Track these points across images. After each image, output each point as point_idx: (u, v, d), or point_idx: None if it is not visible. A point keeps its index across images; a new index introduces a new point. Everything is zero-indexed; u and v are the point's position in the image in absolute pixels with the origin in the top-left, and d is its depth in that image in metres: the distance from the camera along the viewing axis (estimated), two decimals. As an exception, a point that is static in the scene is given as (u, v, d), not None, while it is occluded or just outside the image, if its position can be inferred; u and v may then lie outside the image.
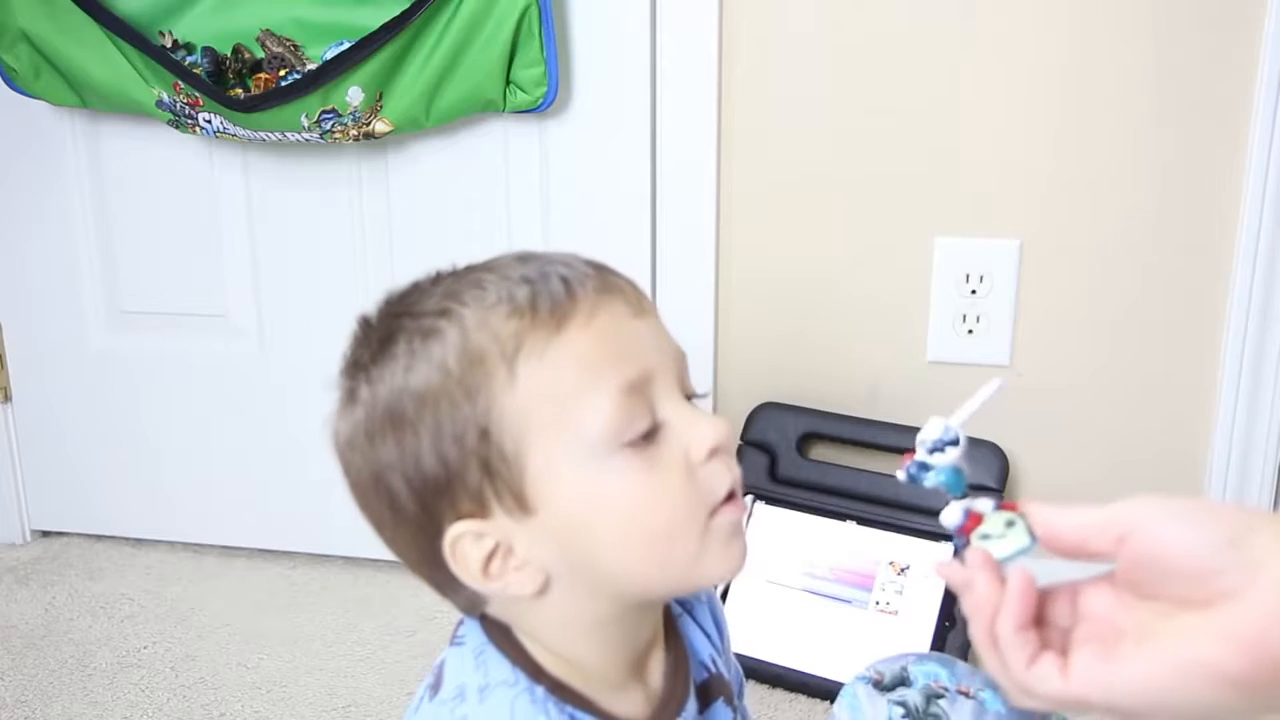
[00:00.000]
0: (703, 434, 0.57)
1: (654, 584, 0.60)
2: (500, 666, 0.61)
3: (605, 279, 0.59)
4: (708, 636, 0.70)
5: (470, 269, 0.62)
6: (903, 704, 0.67)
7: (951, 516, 0.55)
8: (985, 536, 0.55)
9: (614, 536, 0.57)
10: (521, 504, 0.57)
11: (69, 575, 1.59)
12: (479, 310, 0.57)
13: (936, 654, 0.71)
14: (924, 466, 0.56)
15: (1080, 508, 0.53)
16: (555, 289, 0.57)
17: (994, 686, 0.68)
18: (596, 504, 0.56)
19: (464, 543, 0.58)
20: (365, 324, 0.63)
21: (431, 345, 0.57)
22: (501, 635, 0.62)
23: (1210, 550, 0.49)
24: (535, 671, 0.61)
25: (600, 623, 0.61)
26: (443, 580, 0.61)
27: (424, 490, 0.58)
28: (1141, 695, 0.49)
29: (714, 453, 0.58)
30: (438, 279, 0.62)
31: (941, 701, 0.67)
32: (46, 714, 1.30)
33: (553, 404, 0.56)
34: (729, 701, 0.70)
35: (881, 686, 0.67)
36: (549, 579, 0.59)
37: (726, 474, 0.58)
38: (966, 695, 0.68)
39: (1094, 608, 0.54)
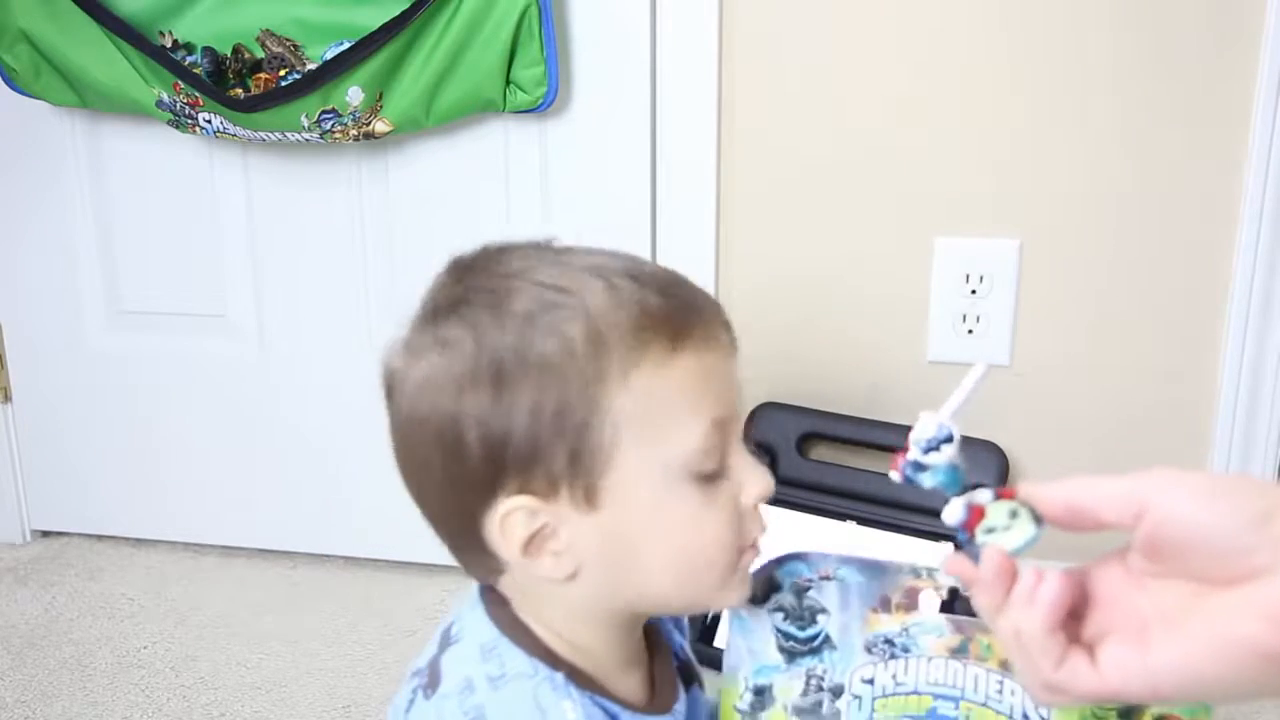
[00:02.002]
0: (756, 486, 0.62)
1: (672, 601, 0.64)
2: (516, 658, 0.61)
3: (717, 313, 0.62)
4: (678, 626, 0.75)
5: (580, 249, 0.63)
6: (780, 609, 0.71)
7: (953, 514, 0.54)
8: (991, 530, 0.54)
9: (658, 555, 0.60)
10: (590, 499, 0.58)
11: (69, 575, 1.59)
12: (611, 302, 0.58)
13: (792, 552, 0.74)
14: (919, 466, 0.55)
15: (1087, 479, 0.52)
16: (685, 308, 0.60)
17: (848, 563, 0.72)
18: (655, 522, 0.59)
19: (516, 517, 0.59)
20: (461, 267, 0.63)
21: (559, 319, 0.57)
22: (513, 625, 0.63)
23: (1240, 528, 0.48)
24: (552, 659, 0.62)
25: (611, 616, 0.64)
26: (466, 543, 0.62)
27: (501, 454, 0.58)
28: (1181, 679, 0.49)
29: (759, 503, 0.62)
30: (544, 247, 0.63)
31: (810, 592, 0.71)
32: (46, 714, 1.30)
33: (653, 418, 0.58)
34: (701, 687, 0.73)
35: (757, 600, 0.71)
36: (580, 569, 0.60)
37: (760, 525, 0.63)
38: (828, 578, 0.72)
39: (1107, 591, 0.53)
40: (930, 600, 0.71)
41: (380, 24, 1.30)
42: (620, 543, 0.60)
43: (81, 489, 1.65)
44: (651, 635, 0.70)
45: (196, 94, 1.34)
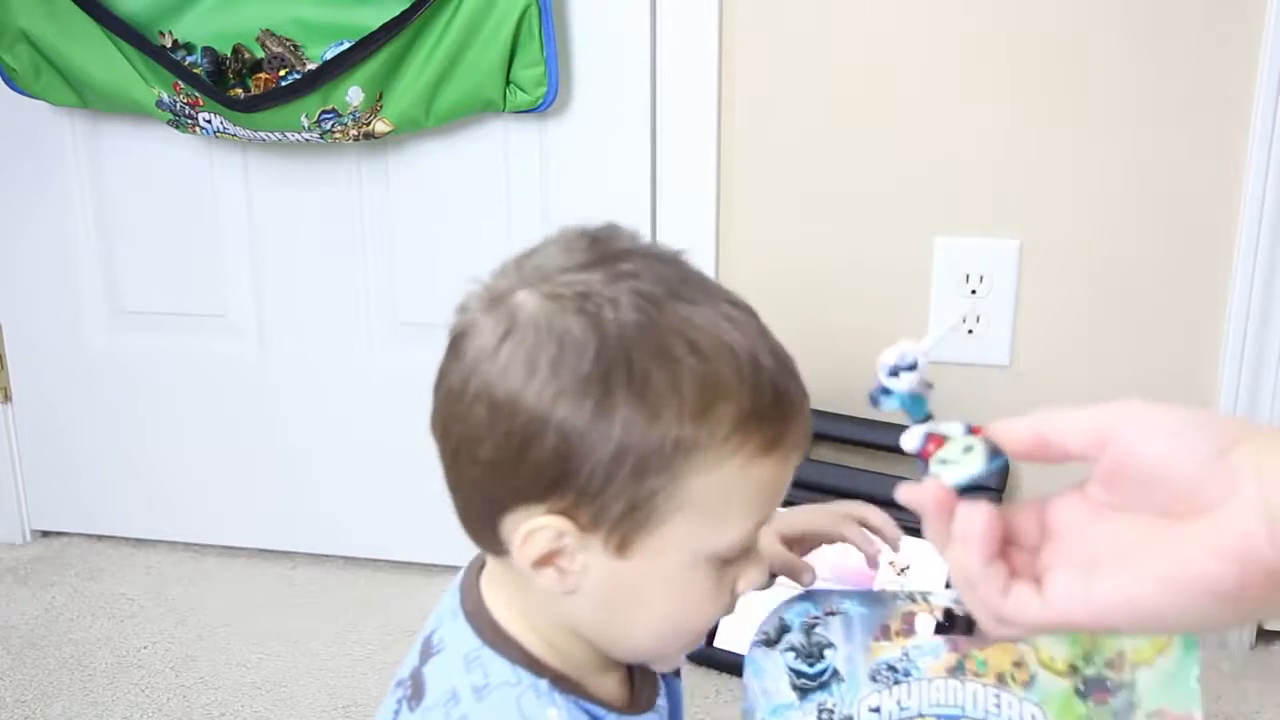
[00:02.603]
0: (754, 578, 0.62)
1: (633, 653, 0.64)
2: (499, 667, 0.61)
3: (808, 414, 0.61)
4: None
5: (710, 288, 0.59)
6: (792, 649, 0.73)
7: (911, 441, 0.55)
8: (943, 462, 0.54)
9: (653, 617, 0.60)
10: (622, 549, 0.57)
11: (69, 575, 1.59)
12: (734, 380, 0.56)
13: (802, 591, 0.77)
14: (885, 390, 0.56)
15: (1053, 411, 0.52)
16: (791, 412, 0.59)
17: (850, 596, 0.75)
18: (665, 589, 0.59)
19: (543, 534, 0.57)
20: (594, 249, 0.59)
21: (686, 364, 0.55)
22: (494, 633, 0.62)
23: (1197, 464, 0.48)
24: (536, 666, 0.61)
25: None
26: (479, 521, 0.60)
27: (566, 474, 0.55)
28: (1127, 612, 0.49)
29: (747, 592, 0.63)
30: (679, 267, 0.59)
31: (818, 629, 0.73)
32: (46, 714, 1.30)
33: (719, 505, 0.57)
34: (678, 675, 0.73)
35: (771, 642, 0.73)
36: (577, 591, 0.59)
37: (733, 607, 0.63)
38: (834, 614, 0.74)
39: (1064, 523, 0.53)
40: (926, 623, 0.74)
41: (380, 24, 1.30)
42: (625, 592, 0.59)
43: (81, 489, 1.65)
44: None
45: (196, 94, 1.34)
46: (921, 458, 0.55)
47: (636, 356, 0.54)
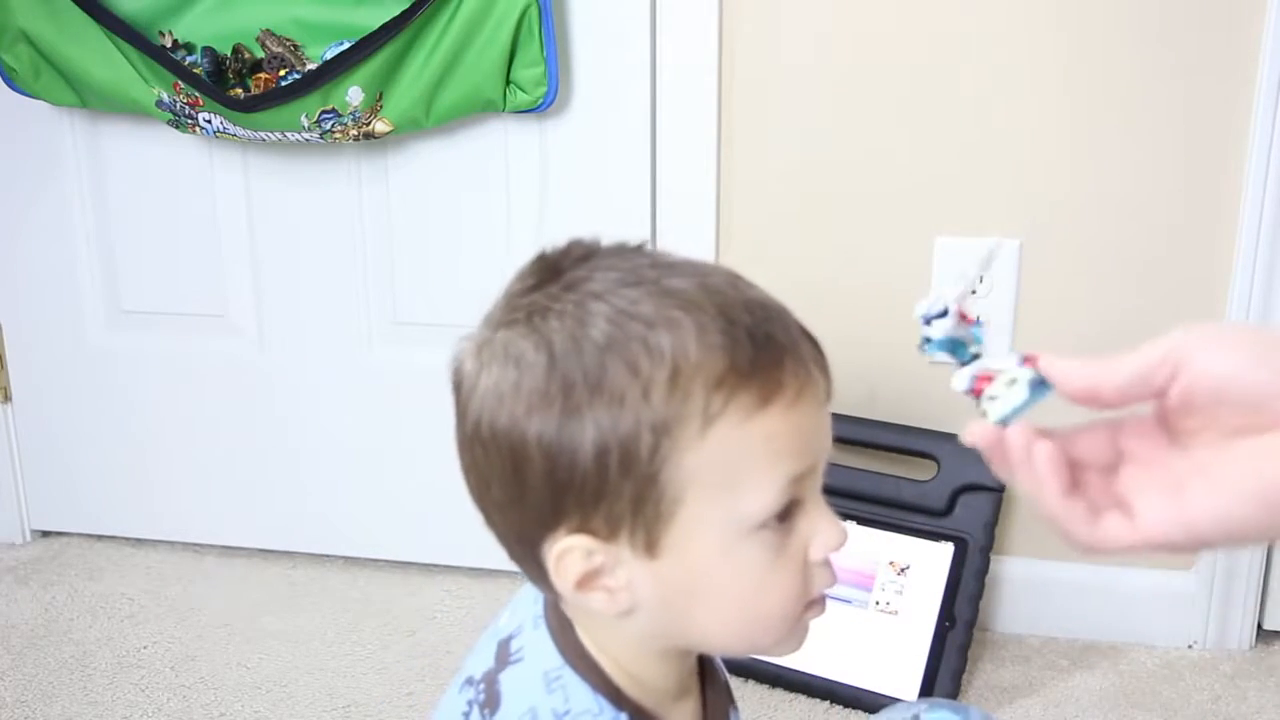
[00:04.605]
0: (828, 538, 0.58)
1: (729, 648, 0.62)
2: (582, 693, 0.60)
3: (815, 356, 0.59)
4: None
5: (677, 265, 0.58)
6: None
7: (960, 382, 0.56)
8: (991, 398, 0.54)
9: (719, 606, 0.58)
10: (651, 548, 0.56)
11: (69, 575, 1.59)
12: (698, 346, 0.54)
13: (948, 701, 0.72)
14: (926, 339, 0.57)
15: (1112, 359, 0.53)
16: (776, 355, 0.56)
17: None
18: (716, 576, 0.57)
19: (573, 555, 0.56)
20: (546, 270, 0.58)
21: (636, 351, 0.54)
22: (578, 654, 0.61)
23: (1270, 378, 0.49)
24: (618, 698, 0.60)
25: (667, 650, 0.62)
26: (523, 556, 0.59)
27: (565, 487, 0.55)
28: (1219, 526, 0.50)
29: (829, 556, 0.59)
30: (638, 256, 0.59)
31: None
32: (46, 714, 1.30)
33: (727, 472, 0.55)
34: (737, 710, 0.71)
35: None
36: (635, 608, 0.58)
37: (830, 577, 0.60)
38: None
39: (1140, 447, 0.54)
40: None
41: (380, 24, 1.30)
42: (679, 593, 0.57)
43: (81, 489, 1.65)
44: (703, 661, 0.68)
45: (196, 94, 1.34)
46: (973, 395, 0.55)
47: (588, 354, 0.54)
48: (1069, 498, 0.52)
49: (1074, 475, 0.53)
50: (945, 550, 1.32)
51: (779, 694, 1.31)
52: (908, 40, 1.32)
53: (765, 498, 0.56)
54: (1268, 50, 1.23)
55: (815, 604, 0.60)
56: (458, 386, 0.59)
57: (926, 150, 1.34)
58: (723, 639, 0.60)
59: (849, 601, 1.32)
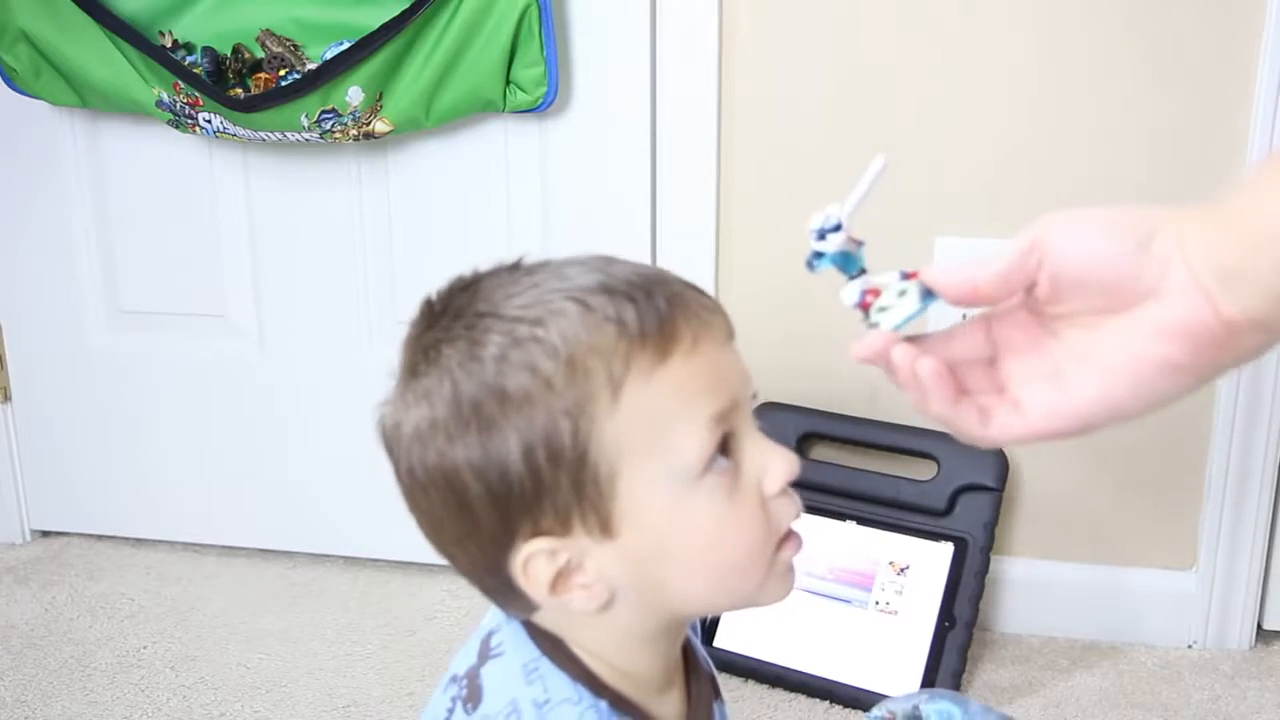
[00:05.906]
0: (778, 468, 0.59)
1: (715, 607, 0.63)
2: (559, 682, 0.60)
3: (704, 302, 0.60)
4: (694, 633, 0.73)
5: (553, 266, 0.60)
6: None
7: (850, 295, 0.59)
8: (881, 309, 0.58)
9: (689, 563, 0.58)
10: (605, 528, 0.57)
11: (69, 575, 1.59)
12: (585, 325, 0.56)
13: (949, 692, 0.72)
14: (818, 254, 0.60)
15: (984, 257, 0.55)
16: (663, 311, 0.57)
17: (991, 714, 0.72)
18: (678, 531, 0.57)
19: (537, 560, 0.57)
20: (434, 310, 0.60)
21: (531, 352, 0.55)
22: (554, 648, 0.61)
23: (1124, 258, 0.52)
24: (596, 686, 0.61)
25: (653, 635, 0.62)
26: (496, 586, 0.60)
27: (506, 500, 0.56)
28: (1104, 409, 0.53)
29: (784, 486, 0.60)
30: (516, 270, 0.60)
31: None
32: (46, 714, 1.30)
33: (650, 430, 0.56)
34: (723, 700, 0.72)
35: None
36: (614, 595, 0.59)
37: (793, 508, 0.61)
38: None
39: (1015, 338, 0.57)
40: None
41: (380, 24, 1.30)
42: (647, 562, 0.58)
43: (81, 489, 1.65)
44: (687, 651, 0.68)
45: (196, 94, 1.34)
46: (862, 309, 0.59)
47: (488, 370, 0.56)
48: (957, 404, 0.55)
49: (958, 375, 0.56)
50: (945, 550, 1.32)
51: (779, 694, 1.31)
52: (909, 41, 1.32)
53: (693, 442, 0.56)
54: (1268, 50, 1.23)
55: (788, 540, 0.61)
56: (388, 445, 0.60)
57: (926, 150, 1.34)
58: (704, 597, 0.61)
59: (849, 601, 1.32)
